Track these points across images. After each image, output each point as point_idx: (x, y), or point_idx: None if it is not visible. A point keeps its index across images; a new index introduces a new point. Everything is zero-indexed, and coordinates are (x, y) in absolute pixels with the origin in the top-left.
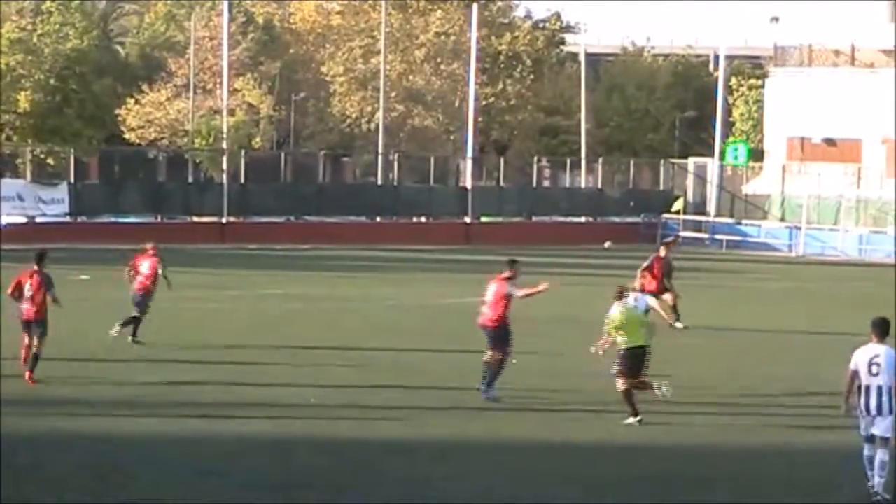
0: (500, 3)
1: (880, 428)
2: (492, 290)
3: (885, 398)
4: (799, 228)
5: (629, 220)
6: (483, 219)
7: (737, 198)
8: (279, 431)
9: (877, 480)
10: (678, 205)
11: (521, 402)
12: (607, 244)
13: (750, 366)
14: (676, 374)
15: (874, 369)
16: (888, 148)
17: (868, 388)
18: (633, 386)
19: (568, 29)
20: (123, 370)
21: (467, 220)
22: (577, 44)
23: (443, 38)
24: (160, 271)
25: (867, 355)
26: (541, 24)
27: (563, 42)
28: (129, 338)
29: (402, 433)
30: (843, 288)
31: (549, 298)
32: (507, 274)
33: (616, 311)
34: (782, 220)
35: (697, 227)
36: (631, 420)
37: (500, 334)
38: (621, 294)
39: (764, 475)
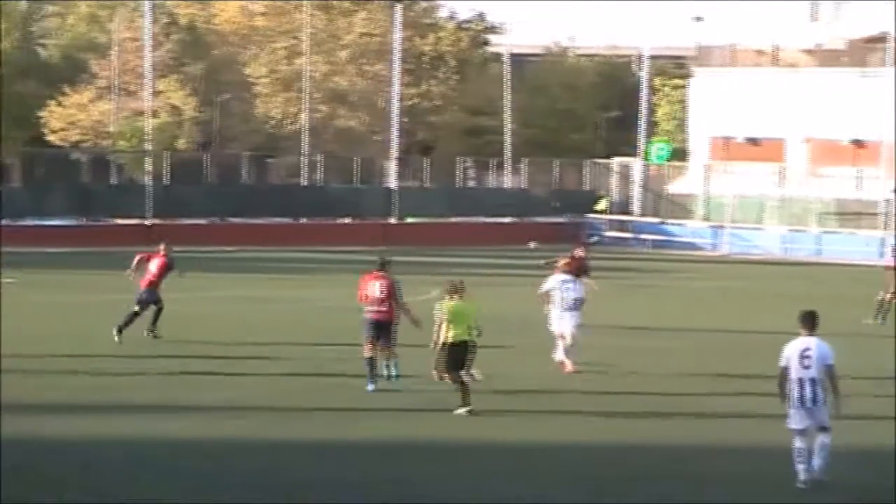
0: (423, 4)
1: (817, 418)
2: (376, 286)
3: (817, 390)
4: (723, 227)
5: (554, 220)
6: (408, 219)
7: (661, 197)
8: (265, 434)
9: (818, 462)
10: (602, 205)
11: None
12: (532, 244)
13: (686, 364)
14: (615, 374)
15: (806, 362)
16: (810, 147)
17: (801, 381)
18: (449, 379)
19: (492, 29)
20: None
21: (392, 220)
22: (502, 44)
23: (367, 38)
24: (173, 270)
25: (798, 349)
26: (465, 25)
27: (487, 42)
28: (145, 332)
29: (386, 434)
30: (768, 286)
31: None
32: (380, 273)
33: (447, 305)
34: (706, 219)
35: (622, 226)
36: (462, 410)
37: (389, 328)
38: (455, 290)
39: (707, 472)
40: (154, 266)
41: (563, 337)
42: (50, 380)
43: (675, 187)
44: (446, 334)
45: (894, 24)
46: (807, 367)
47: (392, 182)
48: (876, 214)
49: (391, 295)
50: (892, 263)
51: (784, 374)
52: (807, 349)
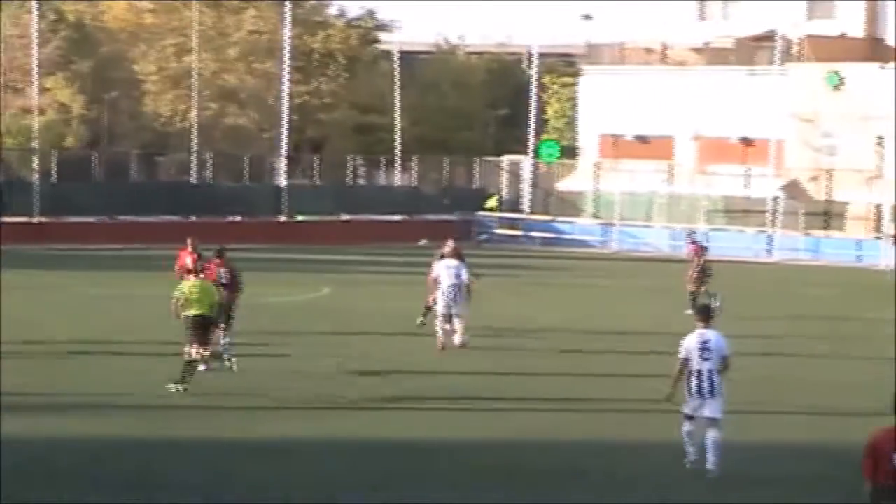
0: (313, 2)
1: (711, 409)
2: (221, 272)
3: (715, 380)
4: (612, 225)
5: (444, 217)
6: (298, 217)
7: (551, 195)
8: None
9: (711, 458)
10: (492, 202)
11: (349, 402)
12: (422, 242)
13: (579, 362)
14: (509, 373)
15: (706, 354)
16: (699, 145)
17: (700, 372)
18: (204, 355)
19: (382, 27)
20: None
21: (282, 218)
22: (391, 42)
23: (256, 36)
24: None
25: (698, 341)
26: (354, 23)
27: (376, 40)
28: None
29: (242, 433)
30: (658, 283)
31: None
32: (217, 261)
33: (190, 284)
34: (596, 216)
35: (512, 224)
36: (173, 386)
37: (228, 310)
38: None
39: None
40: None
41: (446, 318)
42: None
43: (564, 185)
44: (187, 310)
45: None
46: (706, 359)
47: (282, 180)
48: (764, 212)
49: (231, 283)
50: (693, 252)
51: (684, 365)
52: (707, 341)
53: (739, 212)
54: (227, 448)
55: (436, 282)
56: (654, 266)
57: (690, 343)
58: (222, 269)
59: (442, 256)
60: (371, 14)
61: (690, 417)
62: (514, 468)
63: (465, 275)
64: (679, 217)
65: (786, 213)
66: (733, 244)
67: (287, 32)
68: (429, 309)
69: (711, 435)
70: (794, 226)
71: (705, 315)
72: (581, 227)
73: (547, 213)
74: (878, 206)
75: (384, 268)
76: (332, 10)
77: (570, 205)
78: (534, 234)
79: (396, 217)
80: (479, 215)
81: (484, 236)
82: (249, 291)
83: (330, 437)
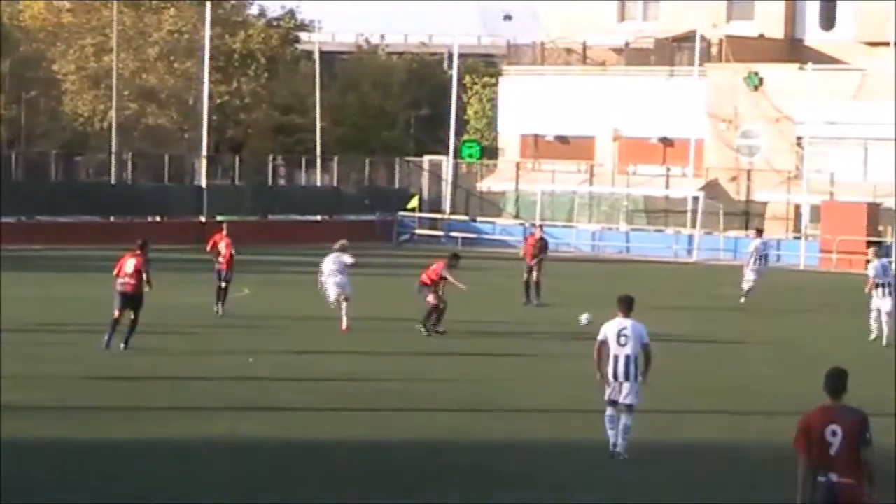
0: (233, 2)
1: (626, 395)
2: (131, 263)
3: (631, 366)
4: (533, 225)
5: (365, 217)
6: (219, 218)
7: (472, 195)
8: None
9: (620, 442)
10: (413, 202)
11: (258, 402)
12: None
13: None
14: (424, 374)
15: (623, 340)
16: (620, 145)
17: (617, 358)
18: None
19: (302, 27)
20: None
21: (202, 219)
22: (312, 42)
23: (176, 36)
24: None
25: (616, 328)
26: (275, 23)
27: (297, 40)
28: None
29: (142, 433)
30: (578, 284)
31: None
32: (138, 252)
33: None
34: (517, 216)
35: (433, 224)
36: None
37: (137, 298)
38: None
39: (496, 468)
40: (130, 267)
41: (338, 302)
42: None
43: (485, 185)
44: None
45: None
46: (623, 345)
47: (202, 180)
48: (684, 212)
49: (139, 270)
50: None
51: (601, 348)
52: (624, 328)
53: (660, 212)
54: (118, 448)
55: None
56: (574, 266)
57: (609, 329)
58: (133, 260)
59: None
60: (291, 14)
61: (613, 403)
62: (421, 469)
63: (347, 259)
64: (600, 217)
65: (705, 213)
66: (654, 244)
67: (207, 32)
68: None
69: (623, 420)
70: (714, 226)
71: (626, 305)
72: (502, 227)
73: (468, 214)
74: (797, 207)
75: (305, 268)
76: (253, 10)
77: (490, 205)
78: (454, 234)
79: (317, 217)
80: (400, 215)
81: (405, 237)
82: (168, 291)
83: (227, 437)
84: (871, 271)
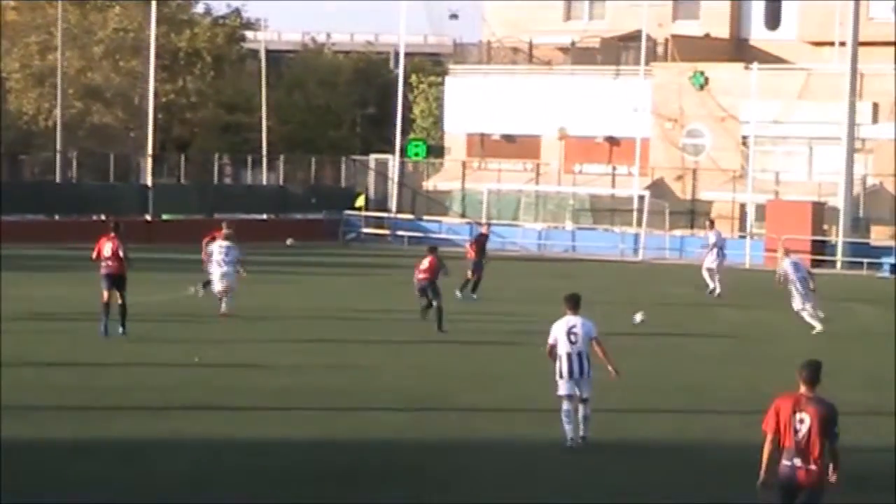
0: (179, 0)
1: (581, 387)
2: (108, 246)
3: (584, 362)
4: (480, 224)
5: (311, 216)
6: (164, 216)
7: (418, 194)
8: None
9: (582, 429)
10: (360, 201)
11: (204, 401)
12: (289, 241)
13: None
14: (371, 371)
15: (573, 338)
16: (566, 144)
17: (569, 355)
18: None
19: (248, 25)
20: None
21: (148, 217)
22: (258, 40)
23: (121, 34)
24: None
25: (565, 326)
26: (221, 21)
27: (243, 39)
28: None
29: (85, 433)
30: (525, 282)
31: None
32: (112, 234)
33: None
34: (463, 215)
35: (379, 223)
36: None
37: (121, 279)
38: None
39: (442, 467)
40: (108, 250)
41: (222, 292)
42: None
43: (431, 184)
44: None
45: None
46: (573, 343)
47: (148, 179)
48: (630, 211)
49: (117, 252)
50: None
51: (553, 350)
52: (573, 326)
53: (606, 211)
54: (58, 448)
55: (210, 257)
56: (521, 265)
57: (558, 329)
58: (110, 243)
59: (216, 239)
60: (237, 13)
61: (569, 397)
62: (352, 468)
63: (235, 252)
64: (546, 216)
65: (651, 212)
66: (600, 243)
67: (153, 31)
68: None
69: (582, 411)
70: (660, 225)
71: (572, 303)
72: (448, 226)
73: (414, 213)
74: (743, 206)
75: (251, 267)
76: (199, 9)
77: (437, 204)
78: (401, 233)
79: (263, 216)
80: (347, 214)
81: (351, 235)
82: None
83: (172, 436)
84: (785, 269)
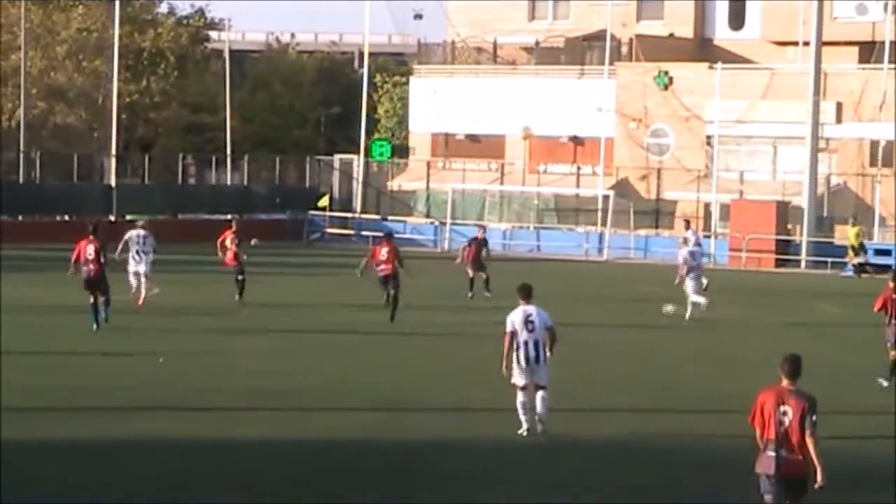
0: (142, 0)
1: (538, 376)
2: (91, 248)
3: (540, 350)
4: (444, 224)
5: (276, 216)
6: (128, 216)
7: (383, 194)
8: None
9: (541, 410)
10: (324, 201)
11: (177, 402)
12: (254, 241)
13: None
14: (341, 372)
15: (530, 326)
16: (530, 144)
17: (527, 343)
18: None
19: (212, 25)
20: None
21: (112, 218)
22: (222, 40)
23: (85, 34)
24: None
25: (522, 315)
26: (184, 21)
27: (207, 39)
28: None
29: (52, 433)
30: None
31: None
32: (91, 237)
33: None
34: (428, 215)
35: (344, 223)
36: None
37: (101, 280)
38: None
39: (415, 468)
40: (91, 252)
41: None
42: None
43: (396, 184)
44: None
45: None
46: (531, 331)
47: (111, 179)
48: (594, 211)
49: (99, 254)
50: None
51: (511, 339)
52: (530, 315)
53: (570, 210)
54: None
55: (126, 245)
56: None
57: (515, 318)
58: (91, 245)
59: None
60: (201, 13)
61: (523, 388)
62: (326, 468)
63: (152, 241)
64: (511, 216)
65: (616, 211)
66: (564, 243)
67: (116, 30)
68: None
69: (540, 394)
70: (624, 224)
71: (525, 293)
72: (413, 226)
73: (379, 213)
74: (707, 205)
75: (215, 267)
76: (162, 9)
77: (401, 204)
78: (365, 233)
79: (227, 216)
80: (311, 214)
81: (315, 235)
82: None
83: (139, 437)
84: (683, 256)
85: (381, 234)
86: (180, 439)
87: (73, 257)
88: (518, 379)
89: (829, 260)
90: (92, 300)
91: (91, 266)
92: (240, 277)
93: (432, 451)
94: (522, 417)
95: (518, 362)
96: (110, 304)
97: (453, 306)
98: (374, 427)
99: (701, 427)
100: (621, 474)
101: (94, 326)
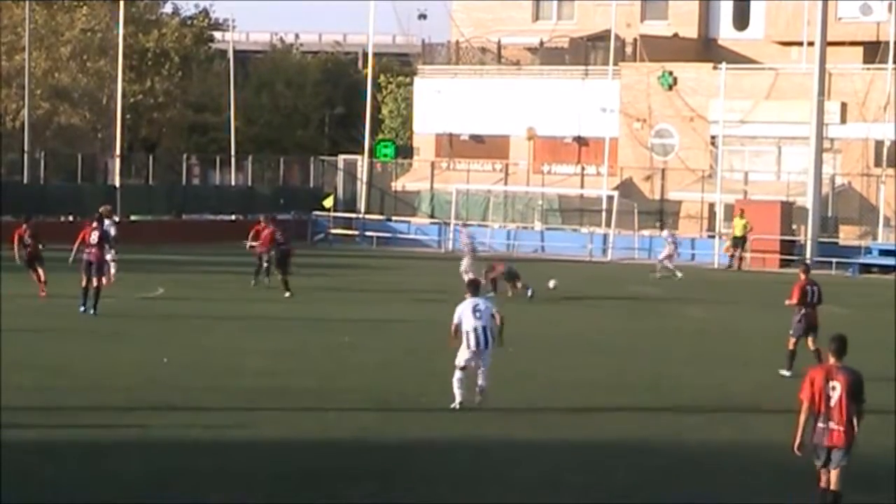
0: (146, 0)
1: (482, 359)
2: (95, 234)
3: (488, 335)
4: (448, 224)
5: (279, 217)
6: (133, 217)
7: (387, 194)
8: None
9: (482, 383)
10: (328, 201)
11: (170, 402)
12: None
13: (396, 362)
14: (337, 372)
15: (477, 314)
16: (534, 144)
17: (476, 329)
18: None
19: (216, 26)
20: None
21: (116, 219)
22: (226, 41)
23: (89, 34)
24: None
25: (470, 305)
26: (189, 21)
27: (211, 39)
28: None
29: (52, 435)
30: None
31: (200, 296)
32: (95, 224)
33: None
34: (432, 216)
35: (348, 224)
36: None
37: (101, 265)
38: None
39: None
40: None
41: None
42: None
43: (400, 184)
44: None
45: (615, 23)
46: (478, 318)
47: (116, 180)
48: (598, 211)
49: (102, 241)
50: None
51: (458, 327)
52: (477, 304)
53: (574, 211)
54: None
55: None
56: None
57: (463, 308)
58: (95, 232)
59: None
60: (205, 13)
61: (463, 368)
62: (318, 469)
63: (113, 230)
64: (515, 216)
65: (620, 212)
66: (568, 243)
67: (120, 31)
68: None
69: (481, 371)
70: (629, 225)
71: (473, 287)
72: (417, 226)
73: (383, 213)
74: (711, 206)
75: (219, 267)
76: (166, 9)
77: (405, 204)
78: (369, 233)
79: (231, 217)
80: (315, 215)
81: (319, 236)
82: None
83: (138, 436)
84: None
85: (385, 234)
86: (178, 439)
87: (78, 241)
88: (461, 360)
89: (834, 260)
90: (84, 283)
91: (93, 250)
92: (266, 263)
93: (429, 450)
94: (457, 392)
95: (468, 346)
96: (100, 294)
97: (445, 306)
98: (370, 427)
99: (701, 427)
100: (619, 474)
101: (82, 309)
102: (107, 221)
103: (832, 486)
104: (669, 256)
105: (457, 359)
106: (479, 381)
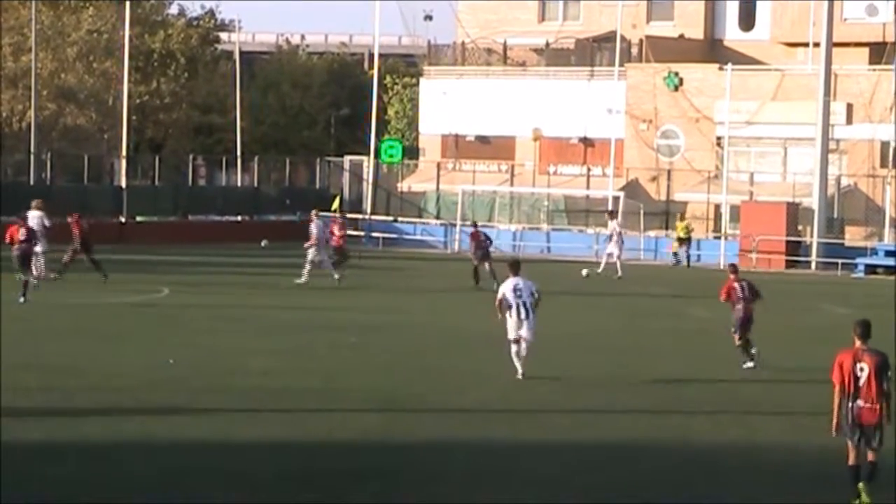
0: (152, 1)
1: (526, 329)
2: (23, 230)
3: (529, 309)
4: (454, 225)
5: (285, 218)
6: (138, 218)
7: (393, 195)
8: None
9: (524, 355)
10: (335, 204)
11: (174, 403)
12: (263, 243)
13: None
14: (341, 373)
15: (518, 293)
16: (540, 145)
17: (518, 305)
18: None
19: (222, 27)
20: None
21: (122, 219)
22: (232, 42)
23: (95, 35)
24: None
25: (511, 284)
26: (195, 22)
27: (217, 40)
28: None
29: (56, 435)
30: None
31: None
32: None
33: None
34: (438, 217)
35: (354, 224)
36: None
37: (29, 258)
38: None
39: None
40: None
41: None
42: None
43: (406, 185)
44: None
45: (620, 24)
46: (519, 296)
47: (122, 180)
48: (604, 212)
49: (30, 236)
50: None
51: (503, 301)
52: (517, 284)
53: (580, 212)
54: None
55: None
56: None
57: (506, 287)
58: (23, 229)
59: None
60: (211, 14)
61: (516, 341)
62: (322, 469)
63: (46, 221)
64: (521, 217)
65: (626, 213)
66: (575, 244)
67: (126, 32)
68: None
69: (523, 345)
70: (635, 226)
71: (513, 268)
72: (423, 227)
73: (389, 214)
74: (717, 206)
75: (225, 268)
76: (172, 10)
77: (411, 205)
78: (376, 234)
79: (237, 218)
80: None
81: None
82: (87, 292)
83: (142, 438)
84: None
85: (391, 235)
86: (179, 439)
87: (7, 241)
88: (511, 333)
89: (840, 261)
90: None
91: (23, 245)
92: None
93: (429, 451)
94: (517, 364)
95: (512, 318)
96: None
97: (452, 307)
98: (375, 427)
99: (702, 427)
100: (625, 475)
101: (21, 300)
102: (39, 213)
103: (869, 458)
104: (617, 253)
105: (508, 334)
106: (523, 349)
